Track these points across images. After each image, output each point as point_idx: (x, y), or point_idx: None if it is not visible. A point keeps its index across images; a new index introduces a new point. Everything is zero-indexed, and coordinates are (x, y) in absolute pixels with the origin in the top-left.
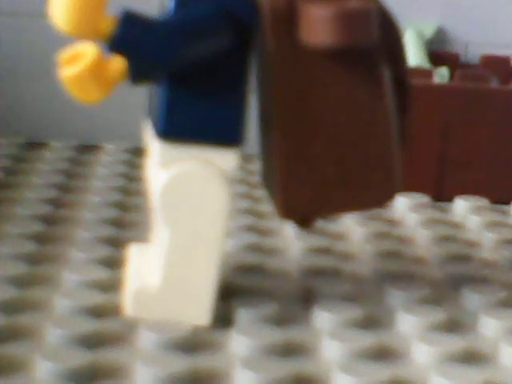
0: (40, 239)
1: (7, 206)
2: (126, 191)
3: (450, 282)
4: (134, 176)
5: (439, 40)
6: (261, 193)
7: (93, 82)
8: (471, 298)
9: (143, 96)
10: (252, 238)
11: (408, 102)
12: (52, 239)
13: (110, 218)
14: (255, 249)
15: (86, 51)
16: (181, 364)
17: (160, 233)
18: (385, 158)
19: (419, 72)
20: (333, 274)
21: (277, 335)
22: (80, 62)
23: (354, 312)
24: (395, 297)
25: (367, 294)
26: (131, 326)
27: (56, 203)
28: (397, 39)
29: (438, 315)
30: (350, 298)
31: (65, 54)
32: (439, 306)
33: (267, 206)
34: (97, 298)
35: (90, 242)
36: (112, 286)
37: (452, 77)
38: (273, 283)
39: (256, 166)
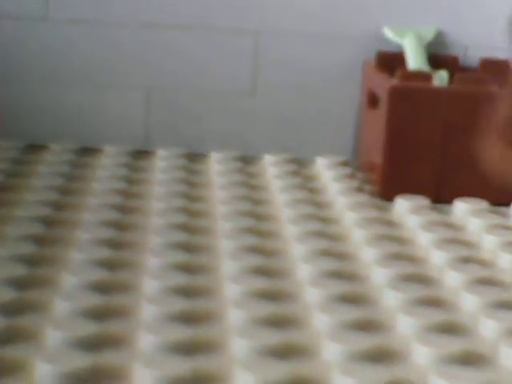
0: (40, 241)
1: (7, 208)
2: (125, 193)
3: (450, 284)
4: (133, 178)
5: (439, 43)
6: (260, 195)
7: None
8: (471, 300)
9: (143, 99)
10: (252, 240)
11: None
12: (52, 241)
13: (109, 220)
14: (255, 250)
15: None
16: (181, 366)
17: None
18: None
19: (419, 75)
20: (333, 275)
21: (276, 337)
22: None
23: (354, 314)
24: (395, 298)
25: (367, 295)
26: (131, 328)
27: (56, 205)
28: None
29: (438, 317)
30: (350, 300)
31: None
32: (438, 308)
33: (267, 209)
34: (96, 300)
35: (89, 244)
36: (112, 288)
37: (451, 80)
38: (272, 284)
39: (257, 168)
